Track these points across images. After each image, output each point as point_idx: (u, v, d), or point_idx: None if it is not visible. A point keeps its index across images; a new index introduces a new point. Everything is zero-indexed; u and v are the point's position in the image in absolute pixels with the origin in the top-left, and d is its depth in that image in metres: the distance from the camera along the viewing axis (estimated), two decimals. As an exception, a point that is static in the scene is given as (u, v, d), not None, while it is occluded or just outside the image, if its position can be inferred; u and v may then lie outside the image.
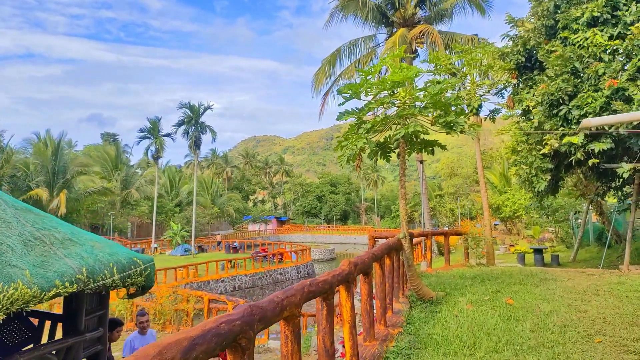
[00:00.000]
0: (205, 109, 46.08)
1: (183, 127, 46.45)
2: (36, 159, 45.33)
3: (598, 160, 12.01)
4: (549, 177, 14.30)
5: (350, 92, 8.24)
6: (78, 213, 50.17)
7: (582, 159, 12.21)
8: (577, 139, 11.88)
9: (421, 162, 22.91)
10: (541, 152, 13.84)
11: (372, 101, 8.10)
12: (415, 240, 15.78)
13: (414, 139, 8.99)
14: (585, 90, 11.93)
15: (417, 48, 27.21)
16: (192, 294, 14.02)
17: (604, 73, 11.68)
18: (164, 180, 70.39)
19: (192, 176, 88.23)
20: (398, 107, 8.40)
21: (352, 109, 8.61)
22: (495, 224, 56.69)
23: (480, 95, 15.97)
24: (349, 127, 8.61)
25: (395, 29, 29.10)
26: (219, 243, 52.03)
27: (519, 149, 14.97)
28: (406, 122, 8.13)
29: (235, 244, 49.42)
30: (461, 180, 59.93)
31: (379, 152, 9.25)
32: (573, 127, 12.25)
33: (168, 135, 47.22)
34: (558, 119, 12.57)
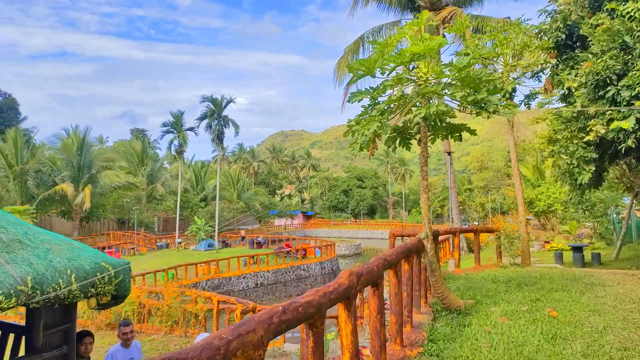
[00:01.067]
0: (228, 102, 45.39)
1: (206, 120, 45.89)
2: (62, 154, 45.43)
3: (652, 148, 10.52)
4: (593, 168, 12.79)
5: (363, 68, 7.06)
6: (104, 208, 50.25)
7: (634, 146, 10.72)
8: (629, 124, 10.39)
9: (449, 153, 21.44)
10: (584, 140, 12.36)
11: (389, 78, 6.89)
12: (441, 237, 14.49)
13: (438, 122, 7.74)
14: (637, 68, 10.43)
15: (444, 34, 25.67)
16: (200, 295, 13.11)
17: (661, 47, 10.17)
18: (190, 175, 70.29)
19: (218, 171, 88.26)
20: (419, 84, 7.16)
21: (366, 88, 7.42)
22: (528, 219, 54.46)
23: (514, 79, 14.50)
24: (363, 109, 7.43)
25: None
26: (243, 238, 51.43)
27: (557, 137, 13.49)
28: (428, 102, 6.90)
29: (259, 239, 48.70)
30: (492, 174, 57.85)
31: (398, 139, 8.04)
32: (622, 110, 10.76)
33: (191, 129, 46.76)
34: (605, 101, 11.09)
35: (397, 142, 8.11)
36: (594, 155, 12.61)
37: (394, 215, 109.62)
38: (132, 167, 61.36)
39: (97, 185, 46.23)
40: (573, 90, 11.97)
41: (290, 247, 43.13)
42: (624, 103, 10.62)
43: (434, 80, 7.07)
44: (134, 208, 48.22)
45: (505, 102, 6.87)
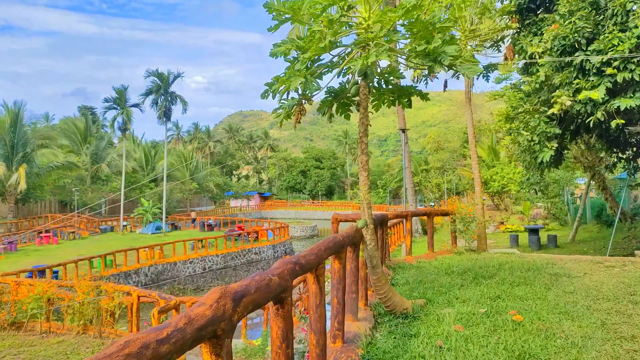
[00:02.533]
0: (175, 77, 42.75)
1: (152, 97, 43.13)
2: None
3: (624, 122, 9.40)
4: (555, 145, 11.70)
5: (286, 9, 5.46)
6: (42, 189, 46.91)
7: (603, 119, 9.58)
8: (598, 94, 9.23)
9: (403, 130, 20.15)
10: (547, 114, 11.21)
11: (317, 23, 5.31)
12: (392, 221, 13.20)
13: (382, 84, 6.25)
14: (610, 31, 9.24)
15: None
16: (118, 289, 11.37)
17: (635, 6, 8.99)
18: (139, 155, 67.06)
19: (171, 151, 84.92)
20: (357, 33, 5.63)
21: (292, 38, 5.84)
22: (483, 199, 54.57)
23: (473, 48, 13.22)
24: (289, 65, 5.83)
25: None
26: (194, 220, 49.30)
27: (519, 110, 12.31)
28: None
29: (210, 221, 46.71)
30: (448, 155, 57.63)
31: (335, 105, 6.51)
32: (591, 78, 9.60)
33: (136, 105, 43.86)
34: (572, 69, 9.90)
35: (334, 108, 6.59)
36: (557, 131, 11.50)
37: (351, 196, 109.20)
38: (75, 146, 57.76)
39: (33, 164, 42.90)
40: (536, 58, 10.72)
41: (243, 229, 41.43)
42: (594, 71, 9.46)
43: (376, 28, 5.54)
44: (74, 189, 45.13)
45: (464, 55, 5.51)
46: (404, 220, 11.82)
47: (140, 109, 44.13)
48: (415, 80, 14.84)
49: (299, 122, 5.80)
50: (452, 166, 58.79)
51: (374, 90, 6.30)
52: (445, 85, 14.29)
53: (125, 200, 46.37)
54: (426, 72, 13.76)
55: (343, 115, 6.72)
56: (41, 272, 24.00)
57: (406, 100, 6.53)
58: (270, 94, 5.63)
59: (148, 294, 10.98)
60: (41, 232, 39.89)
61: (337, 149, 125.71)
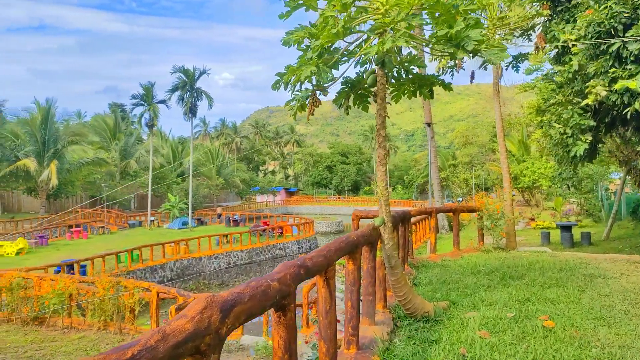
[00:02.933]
0: (201, 73, 42.92)
1: (178, 93, 43.44)
2: (24, 127, 42.75)
3: (665, 113, 8.79)
4: (590, 138, 11.08)
5: (297, -5, 5.14)
6: (72, 185, 47.86)
7: (642, 110, 8.98)
8: (636, 84, 8.64)
9: (429, 124, 19.50)
10: (581, 105, 10.61)
11: (330, 7, 4.98)
12: (415, 218, 12.78)
13: (402, 73, 5.88)
14: (650, 15, 8.64)
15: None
16: (138, 286, 11.30)
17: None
18: (167, 151, 67.86)
19: (197, 147, 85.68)
20: (374, 18, 5.27)
21: (306, 25, 5.53)
22: (513, 195, 53.27)
23: (502, 37, 12.65)
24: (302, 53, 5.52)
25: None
26: (220, 216, 49.55)
27: (551, 101, 11.72)
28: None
29: (235, 216, 46.88)
30: (476, 149, 56.41)
31: (352, 96, 6.17)
32: (629, 67, 9.00)
33: (162, 102, 44.25)
34: (608, 57, 9.30)
35: (351, 99, 6.25)
36: (592, 123, 10.89)
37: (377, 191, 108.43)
38: (105, 143, 58.79)
39: (64, 160, 43.75)
40: (570, 45, 10.13)
41: (268, 225, 41.40)
42: (631, 58, 8.86)
43: (394, 13, 5.18)
44: (103, 185, 45.90)
45: (491, 41, 5.10)
46: (429, 216, 11.42)
47: (167, 105, 44.50)
48: (441, 72, 14.34)
49: (312, 115, 5.47)
50: (481, 161, 57.57)
51: (393, 80, 5.93)
52: (473, 77, 13.76)
53: (156, 191, 46.97)
54: (452, 62, 13.26)
55: (361, 108, 6.38)
56: (69, 267, 24.39)
57: (428, 90, 6.14)
58: (282, 84, 5.34)
59: (167, 291, 10.88)
60: (72, 227, 40.70)
61: (363, 144, 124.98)
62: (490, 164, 50.97)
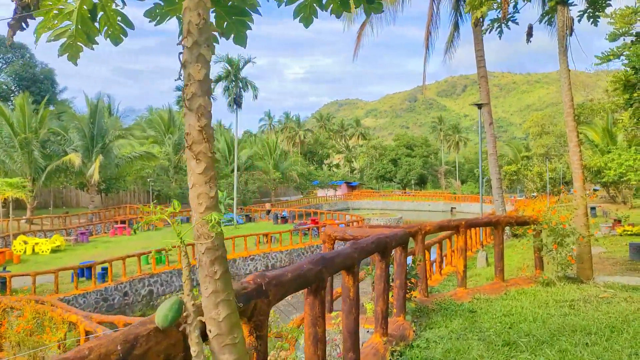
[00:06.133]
0: (246, 62, 40.67)
1: (223, 83, 41.45)
2: (71, 122, 42.54)
3: None
4: None
5: None
6: (123, 179, 47.41)
7: None
8: None
9: (480, 106, 15.25)
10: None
11: None
12: (436, 237, 9.15)
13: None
14: None
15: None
16: (66, 318, 8.64)
17: None
18: (222, 145, 66.76)
19: (256, 140, 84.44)
20: None
21: None
22: (595, 190, 46.87)
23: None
24: None
25: None
26: (269, 212, 47.26)
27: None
28: None
29: (284, 213, 44.33)
30: (553, 140, 50.30)
31: None
32: None
33: (207, 93, 42.39)
34: None
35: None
36: None
37: (446, 185, 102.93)
38: (159, 137, 58.47)
39: (111, 155, 43.15)
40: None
41: (317, 223, 38.45)
42: None
43: None
44: (149, 180, 45.00)
45: None
46: (456, 232, 7.77)
47: (212, 97, 42.60)
48: (482, 25, 10.54)
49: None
50: (559, 152, 51.42)
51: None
52: (530, 34, 9.90)
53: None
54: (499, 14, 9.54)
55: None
56: (85, 270, 22.70)
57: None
58: None
59: (94, 329, 8.08)
60: (116, 223, 39.92)
61: (430, 135, 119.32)
62: (570, 156, 44.94)
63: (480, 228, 13.45)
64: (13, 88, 64.93)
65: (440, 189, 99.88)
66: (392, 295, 5.44)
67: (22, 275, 20.88)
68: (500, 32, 10.12)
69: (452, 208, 73.17)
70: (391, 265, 5.38)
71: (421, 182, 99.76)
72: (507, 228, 21.76)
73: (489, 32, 10.36)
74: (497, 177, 19.54)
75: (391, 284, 5.37)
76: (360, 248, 4.06)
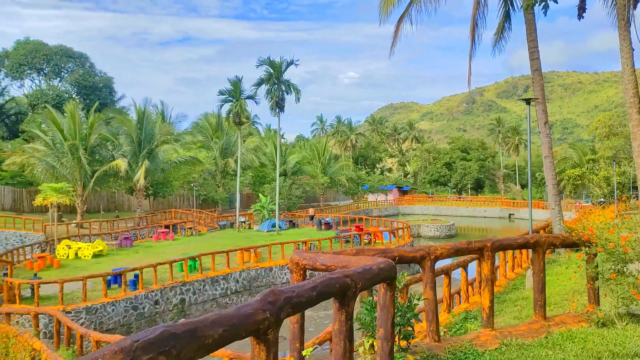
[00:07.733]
0: (288, 64, 39.60)
1: (266, 87, 40.66)
2: (119, 128, 43.14)
3: None
4: None
5: None
6: (170, 184, 47.67)
7: None
8: None
9: (528, 101, 12.96)
10: None
11: None
12: (454, 262, 7.43)
13: None
14: None
15: None
16: (31, 344, 7.61)
17: None
18: (270, 149, 66.35)
19: (304, 145, 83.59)
20: None
21: None
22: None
23: None
24: None
25: None
26: (312, 217, 46.02)
27: None
28: None
29: (328, 219, 42.94)
30: (622, 141, 46.20)
31: None
32: None
33: (250, 97, 41.88)
34: None
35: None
36: None
37: (504, 190, 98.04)
38: (207, 141, 58.76)
39: (157, 160, 43.39)
40: None
41: (362, 229, 36.78)
42: None
43: None
44: (192, 185, 44.93)
45: None
46: (481, 256, 6.03)
47: (255, 101, 42.02)
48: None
49: None
50: (628, 155, 47.09)
51: None
52: (582, 7, 8.02)
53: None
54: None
55: None
56: (116, 277, 22.24)
57: None
58: None
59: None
60: (161, 228, 39.98)
61: (487, 137, 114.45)
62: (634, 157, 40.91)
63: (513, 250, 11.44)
64: (74, 95, 67.31)
65: (499, 194, 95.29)
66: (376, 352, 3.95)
67: (50, 282, 20.57)
68: (546, 7, 8.29)
69: (510, 214, 69.25)
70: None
71: (478, 187, 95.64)
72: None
73: (536, 5, 8.57)
74: (552, 183, 17.27)
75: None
76: (278, 301, 2.56)
